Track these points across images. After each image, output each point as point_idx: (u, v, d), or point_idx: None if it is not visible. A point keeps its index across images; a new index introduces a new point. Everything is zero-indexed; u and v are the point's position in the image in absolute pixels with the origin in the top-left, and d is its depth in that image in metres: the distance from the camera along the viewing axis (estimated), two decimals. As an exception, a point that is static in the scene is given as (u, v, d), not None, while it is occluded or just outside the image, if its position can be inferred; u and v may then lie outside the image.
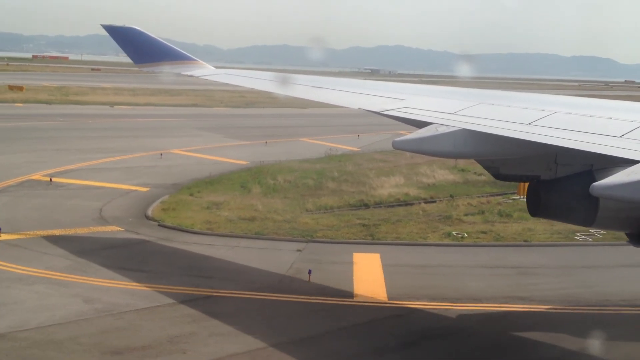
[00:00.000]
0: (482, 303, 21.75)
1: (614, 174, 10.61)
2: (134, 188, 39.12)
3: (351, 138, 68.99)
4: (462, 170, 51.35)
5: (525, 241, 30.80)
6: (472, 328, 19.75)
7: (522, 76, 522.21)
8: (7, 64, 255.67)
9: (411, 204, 38.87)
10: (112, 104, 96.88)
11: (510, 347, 18.52)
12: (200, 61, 31.66)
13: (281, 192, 40.62)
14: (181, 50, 31.91)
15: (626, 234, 15.82)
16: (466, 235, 31.55)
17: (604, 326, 20.01)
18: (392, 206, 38.43)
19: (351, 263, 25.93)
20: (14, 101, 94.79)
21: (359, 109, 19.55)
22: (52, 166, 44.27)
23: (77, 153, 50.55)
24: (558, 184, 15.53)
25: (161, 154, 51.29)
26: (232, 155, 53.68)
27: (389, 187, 43.28)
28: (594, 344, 18.60)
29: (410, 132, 15.22)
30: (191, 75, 30.50)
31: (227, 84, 30.10)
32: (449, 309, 21.17)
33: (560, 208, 15.63)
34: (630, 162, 10.69)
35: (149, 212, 33.17)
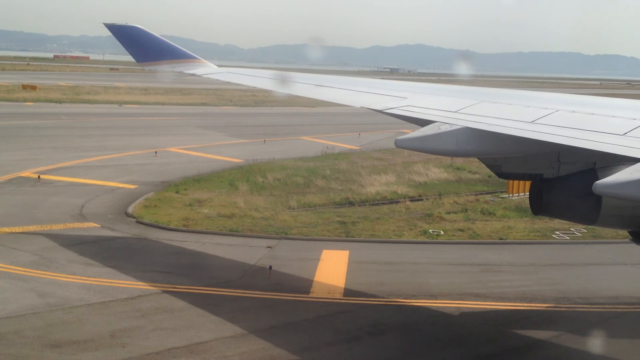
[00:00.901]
0: (437, 299, 21.76)
1: (617, 172, 10.55)
2: (121, 185, 39.52)
3: (353, 136, 69.10)
4: (458, 168, 51.29)
5: (501, 239, 30.71)
6: (417, 324, 19.78)
7: (543, 75, 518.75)
8: (28, 64, 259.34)
9: (397, 202, 38.87)
10: (120, 103, 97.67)
11: (451, 342, 18.51)
12: (203, 59, 31.75)
13: (268, 190, 40.82)
14: (184, 49, 32.00)
15: (629, 232, 15.87)
16: (442, 232, 31.54)
17: (550, 323, 20.00)
18: (377, 204, 38.49)
19: (317, 260, 26.03)
20: (25, 100, 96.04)
21: (362, 107, 19.55)
22: (45, 164, 44.84)
23: (74, 151, 51.16)
24: (561, 183, 15.58)
25: (156, 152, 51.71)
26: (228, 153, 53.98)
27: (378, 185, 43.32)
28: (536, 340, 18.62)
29: (413, 131, 15.27)
30: (193, 74, 30.57)
31: (232, 84, 30.01)
32: (402, 305, 21.22)
33: (562, 206, 15.70)
34: (633, 160, 10.65)
35: (130, 209, 33.51)
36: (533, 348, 18.36)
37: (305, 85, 24.35)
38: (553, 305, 21.56)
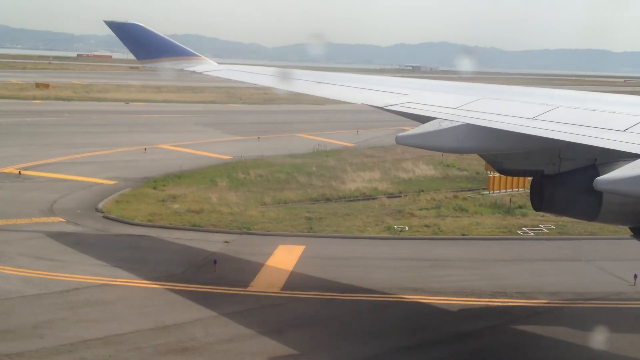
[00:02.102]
0: (374, 294, 21.81)
1: (618, 168, 10.55)
2: (101, 181, 39.95)
3: (351, 134, 69.06)
4: (448, 165, 51.14)
5: (463, 235, 30.60)
6: (342, 317, 19.83)
7: (568, 72, 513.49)
8: (49, 63, 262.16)
9: (373, 199, 38.83)
10: (127, 101, 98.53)
11: (368, 334, 18.51)
12: (203, 57, 31.90)
13: (248, 186, 41.00)
14: (183, 46, 32.19)
15: (630, 229, 15.83)
16: (407, 228, 31.49)
17: (475, 317, 20.09)
18: (353, 200, 38.46)
19: (269, 254, 26.15)
20: (34, 98, 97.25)
21: (363, 104, 19.57)
22: (31, 160, 45.44)
23: (64, 147, 51.77)
24: (561, 179, 15.60)
25: (145, 149, 52.14)
26: (219, 150, 54.24)
27: (360, 182, 43.26)
28: (454, 334, 18.70)
29: (414, 128, 15.29)
30: (194, 71, 30.77)
31: (236, 81, 29.66)
32: (336, 299, 21.30)
33: (563, 202, 15.70)
34: (634, 156, 10.63)
35: (101, 205, 33.86)
36: (449, 342, 18.33)
37: (305, 82, 24.45)
38: (487, 299, 21.52)
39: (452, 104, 16.13)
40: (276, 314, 19.84)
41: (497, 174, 42.62)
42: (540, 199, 15.93)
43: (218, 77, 29.92)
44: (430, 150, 16.05)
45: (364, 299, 21.35)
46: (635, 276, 23.37)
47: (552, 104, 14.51)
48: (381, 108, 18.03)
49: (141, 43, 30.60)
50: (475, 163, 48.99)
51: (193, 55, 31.70)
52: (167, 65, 31.87)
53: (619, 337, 18.98)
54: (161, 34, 31.92)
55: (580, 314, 20.85)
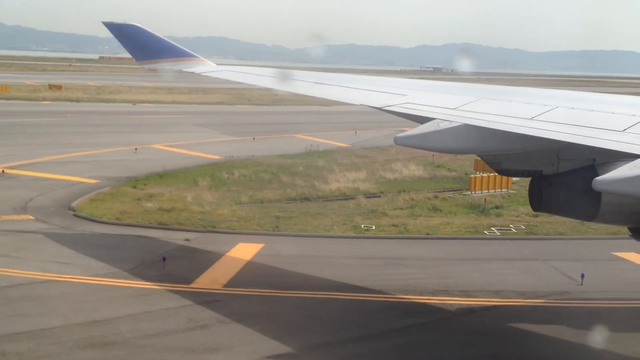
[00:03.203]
0: (316, 291, 21.90)
1: (617, 168, 10.67)
2: (83, 180, 40.44)
3: (350, 134, 69.08)
4: (439, 166, 51.08)
5: (427, 234, 30.58)
6: (275, 314, 19.97)
7: (592, 74, 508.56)
8: (70, 65, 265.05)
9: (352, 198, 38.84)
10: (135, 102, 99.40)
11: (295, 331, 18.66)
12: (201, 58, 32.20)
13: (230, 185, 41.24)
14: (182, 47, 32.44)
15: (628, 229, 15.97)
16: (374, 227, 31.54)
17: (409, 314, 20.24)
18: (331, 200, 38.54)
19: (225, 252, 26.36)
20: (44, 99, 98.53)
21: (361, 104, 19.69)
22: (22, 159, 46.11)
23: (58, 147, 52.45)
24: (560, 179, 15.68)
25: (136, 149, 52.64)
26: (211, 150, 54.58)
27: (344, 182, 43.28)
28: (382, 331, 18.78)
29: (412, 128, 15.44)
30: (192, 72, 31.07)
31: (232, 82, 29.92)
32: (276, 296, 21.44)
33: (562, 203, 15.82)
34: (633, 157, 10.74)
35: (75, 203, 34.28)
36: (372, 338, 18.36)
37: (304, 83, 24.58)
38: (427, 297, 21.56)
39: (450, 104, 16.24)
40: (210, 310, 20.04)
41: (478, 175, 42.63)
42: (539, 200, 16.02)
43: (217, 78, 30.17)
44: (428, 150, 16.24)
45: (304, 296, 21.48)
46: (583, 276, 23.22)
47: (551, 104, 14.60)
48: (379, 109, 18.12)
49: (139, 44, 30.85)
50: (467, 164, 48.84)
51: (191, 56, 31.88)
52: (165, 66, 32.15)
53: (546, 334, 19.03)
54: (161, 36, 32.19)
55: (514, 312, 20.83)
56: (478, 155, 16.87)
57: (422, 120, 15.54)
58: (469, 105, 15.84)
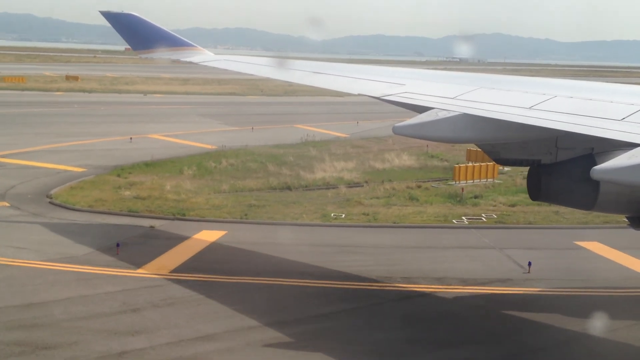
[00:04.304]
0: (260, 277, 22.15)
1: (615, 157, 10.80)
2: (70, 169, 41.09)
3: (352, 125, 69.11)
4: (432, 156, 51.07)
5: (394, 223, 30.63)
6: (207, 299, 20.13)
7: (625, 64, 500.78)
8: (95, 56, 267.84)
9: (333, 188, 38.94)
10: (145, 93, 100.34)
11: (223, 314, 18.92)
12: (199, 47, 32.50)
13: (215, 174, 41.54)
14: (180, 37, 32.77)
15: (626, 218, 16.21)
16: (343, 216, 31.67)
17: (345, 300, 20.35)
18: (312, 189, 38.65)
19: (185, 239, 26.71)
20: (58, 90, 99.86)
21: (359, 94, 19.88)
22: (14, 148, 46.96)
23: (54, 136, 53.30)
24: (559, 168, 15.82)
25: (131, 138, 53.25)
26: (207, 140, 55.01)
27: (331, 171, 43.33)
28: (312, 315, 19.06)
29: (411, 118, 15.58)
30: (190, 62, 31.41)
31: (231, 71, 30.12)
32: (219, 281, 21.72)
33: (560, 192, 15.95)
34: (631, 146, 10.84)
35: (54, 191, 34.86)
36: (298, 322, 18.55)
37: (301, 73, 24.78)
38: (368, 284, 21.69)
39: (449, 94, 16.33)
40: (147, 295, 20.35)
41: (462, 165, 42.50)
42: (537, 189, 16.09)
43: (215, 67, 30.42)
44: (427, 140, 16.47)
45: (245, 282, 21.72)
46: (530, 264, 23.16)
47: (550, 93, 14.66)
48: (378, 98, 18.22)
49: (137, 33, 31.18)
50: (462, 154, 48.80)
51: (189, 45, 32.14)
52: (163, 56, 32.45)
53: (471, 319, 19.31)
54: (158, 25, 32.53)
55: (448, 298, 20.87)
56: (477, 145, 16.91)
57: (421, 109, 15.70)
58: (468, 95, 15.92)
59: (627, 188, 13.69)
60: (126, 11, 32.00)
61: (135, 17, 31.31)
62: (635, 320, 19.11)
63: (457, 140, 18.19)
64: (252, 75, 29.82)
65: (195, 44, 32.59)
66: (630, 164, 9.98)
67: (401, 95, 17.29)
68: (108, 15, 31.10)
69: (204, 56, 31.04)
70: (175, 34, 32.70)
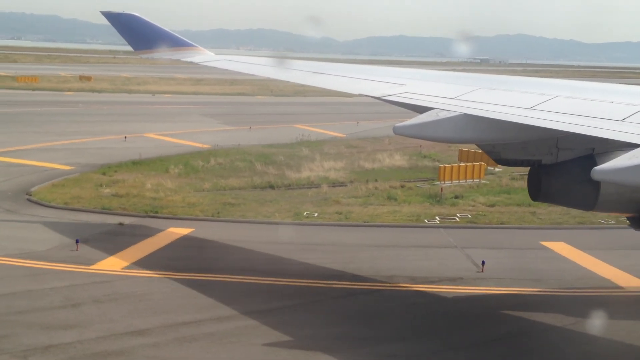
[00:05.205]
0: (210, 274, 22.27)
1: (616, 157, 10.89)
2: (58, 167, 41.53)
3: (350, 125, 69.09)
4: (425, 156, 50.90)
5: (365, 222, 30.62)
6: (153, 295, 20.32)
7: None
8: (114, 57, 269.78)
9: (316, 187, 38.95)
10: (154, 93, 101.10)
11: (160, 310, 19.05)
12: (200, 47, 32.83)
13: (200, 173, 41.71)
14: (180, 37, 33.05)
15: (627, 218, 16.24)
16: (316, 215, 31.70)
17: (290, 297, 20.39)
18: (294, 189, 38.68)
19: (149, 236, 26.90)
20: (69, 90, 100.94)
21: (360, 94, 20.00)
22: (7, 146, 47.52)
23: (50, 135, 53.93)
24: (559, 168, 15.90)
25: (125, 137, 53.65)
26: (202, 139, 55.24)
27: (318, 171, 43.31)
28: (247, 310, 19.04)
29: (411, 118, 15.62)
30: (191, 62, 31.69)
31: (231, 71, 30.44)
32: (167, 278, 21.83)
33: (561, 192, 16.07)
34: (632, 146, 10.89)
35: (35, 188, 35.26)
36: (234, 318, 18.59)
37: (301, 73, 24.91)
38: (316, 281, 21.74)
39: (449, 94, 16.35)
40: (92, 290, 20.53)
41: (447, 165, 42.31)
42: (538, 189, 16.16)
43: (215, 67, 30.64)
44: (427, 140, 16.53)
45: (194, 279, 21.79)
46: (483, 263, 23.04)
47: (550, 93, 14.68)
48: (378, 98, 18.28)
49: (137, 33, 31.38)
50: (456, 154, 48.61)
51: (190, 45, 32.32)
52: (163, 56, 32.71)
53: (410, 317, 19.32)
54: (158, 25, 32.79)
55: (392, 296, 20.88)
56: (477, 145, 16.95)
57: (421, 110, 15.69)
58: (468, 95, 15.92)
59: (628, 188, 13.74)
60: (127, 11, 32.24)
61: (136, 17, 31.48)
62: (575, 319, 18.94)
63: (458, 141, 18.65)
64: (252, 75, 29.86)
65: (195, 44, 32.70)
66: (631, 165, 9.98)
67: (401, 95, 17.31)
68: (109, 16, 31.29)
69: (205, 56, 31.16)
70: (176, 34, 32.82)
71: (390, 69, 25.00)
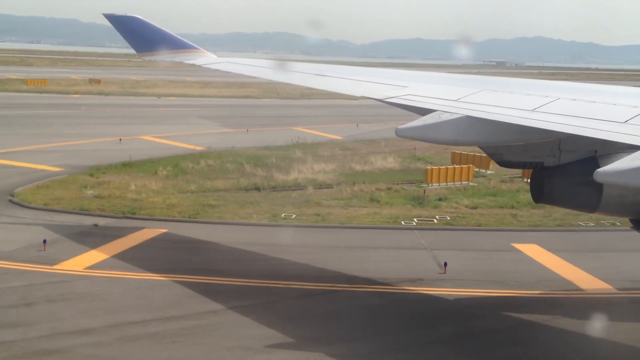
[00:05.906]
0: (169, 274, 22.32)
1: (618, 159, 10.90)
2: (48, 168, 41.84)
3: (350, 127, 69.09)
4: (419, 159, 50.77)
5: (341, 223, 30.58)
6: (107, 294, 20.44)
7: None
8: (129, 60, 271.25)
9: (301, 189, 38.93)
10: (160, 96, 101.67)
11: (113, 310, 19.17)
12: (202, 49, 32.90)
13: (188, 175, 41.81)
14: (183, 39, 33.24)
15: (629, 220, 16.26)
16: (294, 216, 31.69)
17: (243, 298, 20.38)
18: (280, 190, 38.67)
19: (119, 237, 27.01)
20: (76, 92, 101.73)
21: (362, 96, 20.00)
22: (3, 148, 47.85)
23: (45, 137, 54.33)
24: (562, 170, 15.95)
25: (120, 139, 53.93)
26: (198, 141, 55.44)
27: (307, 173, 43.25)
28: (197, 312, 19.12)
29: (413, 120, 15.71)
30: (193, 64, 31.86)
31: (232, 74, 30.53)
32: (125, 278, 21.97)
33: (563, 194, 16.11)
34: (634, 148, 10.93)
35: (19, 189, 35.52)
36: (180, 319, 18.64)
37: (303, 75, 24.92)
38: (274, 281, 21.77)
39: (452, 96, 16.34)
40: (48, 290, 20.68)
41: (435, 167, 42.14)
42: (541, 191, 16.13)
43: (218, 69, 30.77)
44: (429, 142, 16.59)
45: (152, 279, 21.91)
46: (445, 264, 22.92)
47: (552, 95, 14.68)
48: (380, 100, 18.28)
49: (140, 36, 31.47)
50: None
51: (192, 48, 32.37)
52: (165, 58, 32.84)
53: (359, 318, 19.24)
54: (160, 27, 32.93)
55: (346, 297, 20.85)
56: (479, 147, 16.96)
57: (424, 112, 15.66)
58: (471, 97, 15.90)
59: (630, 190, 13.76)
60: (129, 14, 32.35)
61: (138, 19, 31.54)
62: (522, 321, 18.83)
63: (460, 143, 18.37)
64: (253, 77, 29.93)
65: (198, 47, 32.77)
66: (634, 167, 9.95)
67: (403, 97, 17.30)
68: (111, 18, 31.33)
69: (207, 59, 31.19)
70: (178, 36, 32.86)
71: (393, 71, 24.91)
